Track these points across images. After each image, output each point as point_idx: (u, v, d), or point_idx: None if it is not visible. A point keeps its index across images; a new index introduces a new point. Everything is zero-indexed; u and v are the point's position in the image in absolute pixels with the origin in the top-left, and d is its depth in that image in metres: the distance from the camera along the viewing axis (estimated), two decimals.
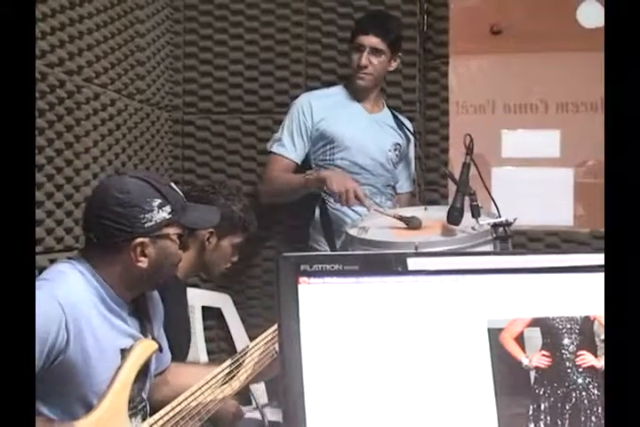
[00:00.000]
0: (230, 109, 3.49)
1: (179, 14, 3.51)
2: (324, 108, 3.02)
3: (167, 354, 2.04)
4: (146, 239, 1.77)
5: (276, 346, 1.77)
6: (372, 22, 3.06)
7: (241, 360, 1.81)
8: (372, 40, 2.99)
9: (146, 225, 1.76)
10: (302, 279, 1.04)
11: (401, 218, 2.44)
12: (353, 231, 2.42)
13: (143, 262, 1.78)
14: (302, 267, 1.05)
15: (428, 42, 3.49)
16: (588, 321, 1.12)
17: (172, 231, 1.82)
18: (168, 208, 1.79)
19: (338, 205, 2.81)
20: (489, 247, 2.19)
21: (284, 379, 1.01)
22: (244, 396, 3.08)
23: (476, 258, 1.12)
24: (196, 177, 3.49)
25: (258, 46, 3.48)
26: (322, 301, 1.05)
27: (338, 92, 3.13)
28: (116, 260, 1.78)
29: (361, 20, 3.16)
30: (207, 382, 1.76)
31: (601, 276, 1.15)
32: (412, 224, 2.41)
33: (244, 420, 2.70)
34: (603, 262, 1.15)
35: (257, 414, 2.89)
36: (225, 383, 1.78)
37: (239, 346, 3.15)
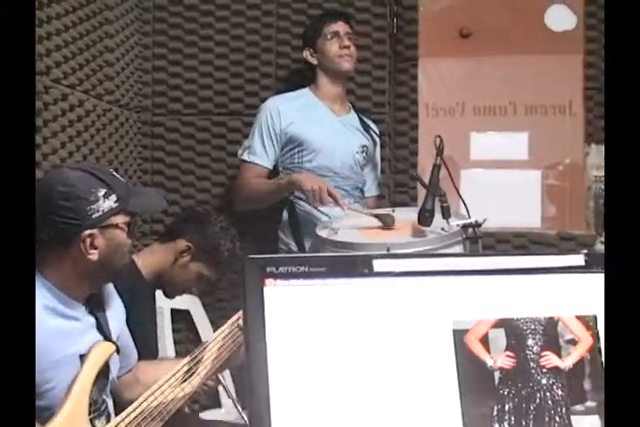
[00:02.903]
0: (200, 111, 3.48)
1: (148, 15, 3.49)
2: (292, 112, 3.03)
3: (133, 352, 2.02)
4: (94, 230, 1.74)
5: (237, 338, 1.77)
6: (334, 12, 3.25)
7: (200, 357, 1.79)
8: (343, 26, 3.11)
9: (93, 216, 1.73)
10: (268, 281, 1.05)
11: (375, 215, 2.46)
12: (323, 233, 2.42)
13: (94, 255, 1.75)
14: (268, 269, 1.05)
15: (397, 44, 3.50)
16: (552, 322, 1.14)
17: (121, 220, 1.79)
18: (114, 197, 1.76)
19: (310, 206, 2.81)
20: (459, 248, 2.20)
21: (249, 380, 1.01)
22: (213, 397, 3.09)
23: (442, 260, 1.13)
24: (166, 179, 3.47)
25: (228, 48, 3.47)
26: (288, 302, 1.05)
27: (305, 94, 3.13)
28: (66, 256, 1.75)
29: (323, 13, 3.28)
30: (167, 381, 1.74)
31: (565, 277, 1.16)
32: (385, 221, 2.43)
33: (215, 422, 2.70)
34: (568, 264, 1.17)
35: (228, 416, 2.89)
36: (185, 381, 1.76)
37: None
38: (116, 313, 1.93)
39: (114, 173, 1.86)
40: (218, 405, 3.05)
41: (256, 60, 3.47)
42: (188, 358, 1.79)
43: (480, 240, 2.21)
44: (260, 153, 3.02)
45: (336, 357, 1.05)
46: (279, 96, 3.15)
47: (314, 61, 3.12)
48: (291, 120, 3.01)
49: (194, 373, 1.77)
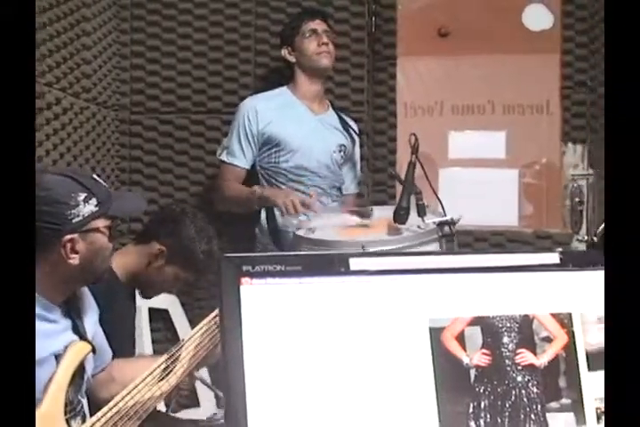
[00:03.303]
0: (178, 109, 3.46)
1: (126, 12, 3.47)
2: (270, 111, 3.03)
3: (107, 351, 2.01)
4: (75, 235, 1.73)
5: (214, 336, 1.76)
6: (312, 10, 3.27)
7: (177, 355, 1.78)
8: (321, 24, 3.12)
9: (73, 221, 1.72)
10: (244, 280, 1.04)
11: (353, 211, 2.48)
12: (300, 232, 2.42)
13: (74, 259, 1.74)
14: (244, 268, 1.05)
15: (376, 43, 3.51)
16: (527, 320, 1.14)
17: (101, 224, 1.78)
18: (94, 201, 1.75)
19: (287, 216, 2.83)
20: (435, 245, 2.21)
21: (226, 379, 1.01)
22: (192, 396, 3.07)
23: (418, 258, 1.14)
24: (144, 177, 3.46)
25: (206, 46, 3.46)
26: (264, 301, 1.05)
27: (283, 93, 3.13)
28: (46, 261, 1.73)
29: (301, 12, 3.30)
30: (144, 380, 1.73)
31: (540, 275, 1.17)
32: (362, 214, 2.44)
33: (189, 422, 2.68)
34: (543, 262, 1.18)
35: (203, 415, 2.88)
36: (162, 379, 1.75)
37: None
38: (90, 314, 1.93)
39: (95, 176, 1.86)
40: (196, 404, 3.04)
41: (235, 59, 3.46)
42: (165, 356, 1.78)
43: (456, 238, 2.23)
44: (238, 154, 3.02)
45: (312, 355, 1.05)
46: (257, 95, 3.15)
47: (292, 59, 3.13)
48: (268, 120, 3.01)
49: (171, 371, 1.76)
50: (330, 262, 1.09)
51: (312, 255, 1.15)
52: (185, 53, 3.46)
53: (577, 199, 3.32)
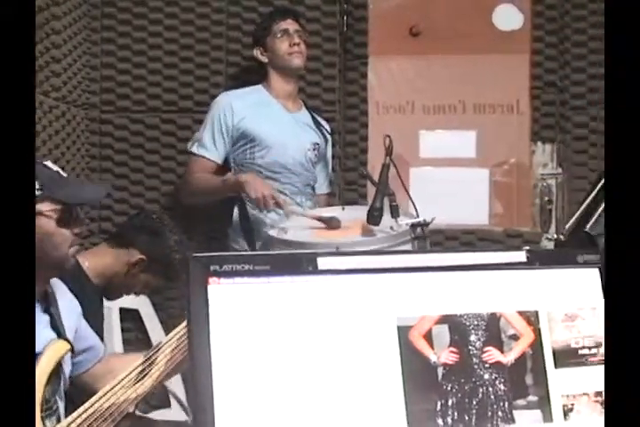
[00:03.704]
0: (149, 108, 3.44)
1: (96, 11, 3.44)
2: (245, 108, 3.03)
3: (98, 344, 2.02)
4: None
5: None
6: (283, 10, 3.27)
7: (153, 358, 1.77)
8: (292, 24, 3.13)
9: None
10: (212, 280, 1.04)
11: (320, 219, 2.46)
12: (273, 232, 2.42)
13: None
14: (212, 267, 1.04)
15: (347, 42, 3.51)
16: (494, 318, 1.15)
17: (46, 208, 1.74)
18: (36, 184, 1.71)
19: (257, 210, 2.83)
20: (408, 247, 2.22)
21: (193, 379, 1.00)
22: (161, 398, 3.06)
23: (385, 257, 1.14)
24: (114, 177, 3.43)
25: (177, 44, 3.44)
26: (232, 301, 1.05)
27: (258, 90, 3.14)
28: None
29: (272, 11, 3.29)
30: (120, 382, 1.73)
31: (507, 273, 1.18)
32: (331, 225, 2.43)
33: (164, 422, 2.68)
34: (510, 260, 1.19)
35: (177, 416, 2.88)
36: (138, 382, 1.75)
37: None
38: (69, 309, 1.91)
39: (45, 162, 1.82)
40: (167, 405, 3.03)
41: (206, 58, 3.45)
42: (141, 359, 1.77)
43: (428, 239, 2.24)
44: (209, 147, 3.02)
45: (281, 354, 1.05)
46: (233, 91, 3.15)
47: (264, 60, 3.13)
48: (243, 115, 3.01)
49: (147, 374, 1.76)
50: (298, 262, 1.09)
51: (280, 255, 1.15)
52: (156, 52, 3.44)
53: (546, 198, 3.36)
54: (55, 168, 1.83)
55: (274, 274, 1.07)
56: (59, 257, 1.80)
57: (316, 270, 1.09)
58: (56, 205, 1.76)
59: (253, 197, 2.70)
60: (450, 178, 3.41)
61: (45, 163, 1.82)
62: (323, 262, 1.09)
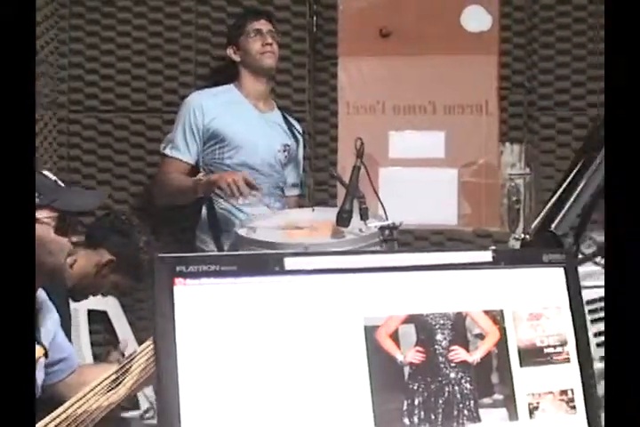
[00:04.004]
0: (118, 108, 3.42)
1: (64, 10, 3.42)
2: (216, 107, 3.02)
3: (73, 354, 2.02)
4: None
5: None
6: (257, 10, 3.29)
7: (127, 366, 1.77)
8: (265, 24, 3.14)
9: None
10: (178, 281, 1.04)
11: (291, 205, 2.50)
12: (242, 231, 2.42)
13: None
14: (178, 268, 1.04)
15: (317, 43, 3.52)
16: (460, 317, 1.16)
17: (44, 215, 1.74)
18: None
19: (230, 203, 2.82)
20: (376, 249, 2.23)
21: (159, 382, 1.00)
22: (131, 400, 3.04)
23: (352, 257, 1.14)
24: (82, 177, 3.41)
25: (146, 44, 3.43)
26: (199, 302, 1.05)
27: (229, 90, 3.13)
28: None
29: (246, 11, 3.31)
30: (92, 389, 1.72)
31: (473, 273, 1.19)
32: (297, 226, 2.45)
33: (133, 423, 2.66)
34: (476, 260, 1.19)
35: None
36: (111, 390, 1.74)
37: (127, 350, 3.09)
38: (47, 315, 1.90)
39: (44, 172, 1.84)
40: (136, 407, 3.01)
41: (175, 57, 3.44)
42: (115, 368, 1.76)
43: (397, 242, 2.25)
44: (182, 148, 3.01)
45: (248, 355, 1.05)
46: (203, 91, 3.15)
47: (237, 59, 3.14)
48: (214, 115, 3.00)
49: (120, 383, 1.75)
50: (265, 262, 1.08)
51: (247, 255, 1.14)
52: (124, 51, 3.42)
53: (514, 198, 3.38)
54: (53, 177, 1.84)
55: (240, 274, 1.07)
56: (54, 265, 1.79)
57: (283, 271, 1.09)
58: (54, 213, 1.76)
59: (225, 184, 2.66)
60: (419, 178, 3.43)
61: (44, 172, 1.83)
62: (290, 263, 1.09)
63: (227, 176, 2.71)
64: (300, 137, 3.22)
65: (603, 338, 1.79)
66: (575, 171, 1.36)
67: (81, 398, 1.68)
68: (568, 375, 1.18)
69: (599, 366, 1.74)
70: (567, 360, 1.19)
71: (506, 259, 1.21)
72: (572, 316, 1.21)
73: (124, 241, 2.53)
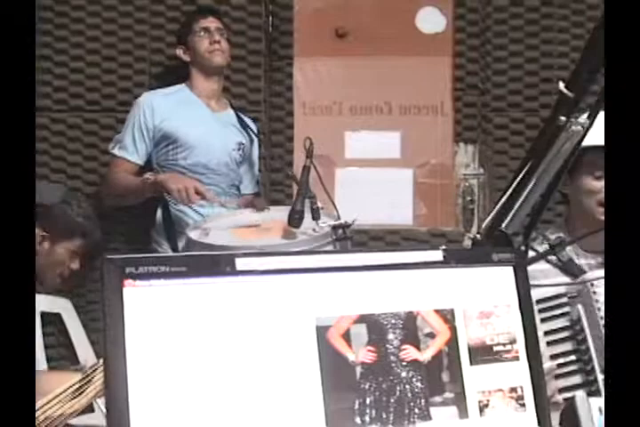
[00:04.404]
0: (71, 107, 3.38)
1: None
2: (167, 108, 3.00)
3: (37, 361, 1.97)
4: None
5: None
6: (204, 8, 3.27)
7: (91, 377, 1.75)
8: (214, 22, 3.13)
9: None
10: (127, 282, 1.03)
11: (247, 205, 2.49)
12: (194, 234, 2.39)
13: None
14: (127, 269, 1.03)
15: (273, 43, 3.52)
16: (411, 316, 1.16)
17: None
18: None
19: (181, 205, 2.80)
20: (329, 249, 2.23)
21: (107, 384, 0.99)
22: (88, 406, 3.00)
23: (303, 257, 1.14)
24: (35, 178, 3.35)
25: (100, 43, 3.40)
26: (149, 304, 1.04)
27: (181, 90, 3.12)
28: None
29: (193, 11, 3.30)
30: (56, 397, 1.70)
31: (423, 272, 1.19)
32: (258, 206, 2.45)
33: None
34: (427, 259, 1.20)
35: (101, 421, 2.82)
36: (74, 399, 1.72)
37: (80, 352, 3.06)
38: None
39: None
40: (90, 410, 2.97)
41: (129, 57, 3.41)
42: (79, 377, 1.74)
43: (350, 241, 2.25)
44: (130, 148, 2.98)
45: (199, 356, 1.04)
46: (154, 91, 3.12)
47: (186, 58, 3.12)
48: (165, 116, 2.98)
49: (83, 392, 1.73)
50: (216, 263, 1.08)
51: (198, 256, 1.13)
52: (78, 51, 3.39)
53: (468, 198, 3.42)
54: None
55: (191, 276, 1.06)
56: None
57: (234, 271, 1.08)
58: None
59: (175, 191, 2.65)
60: (375, 178, 3.45)
61: None
62: (241, 263, 1.09)
63: (177, 181, 2.69)
64: (254, 136, 3.22)
65: (553, 337, 1.83)
66: (524, 171, 1.37)
67: (44, 405, 1.67)
68: (517, 373, 1.20)
69: (549, 364, 1.78)
70: (516, 358, 1.20)
71: (456, 258, 1.22)
72: (522, 314, 1.23)
73: (43, 210, 2.47)
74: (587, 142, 2.08)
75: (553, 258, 2.12)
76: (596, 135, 2.12)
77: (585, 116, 1.35)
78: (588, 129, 1.33)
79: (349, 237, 2.19)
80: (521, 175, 1.38)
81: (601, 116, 2.26)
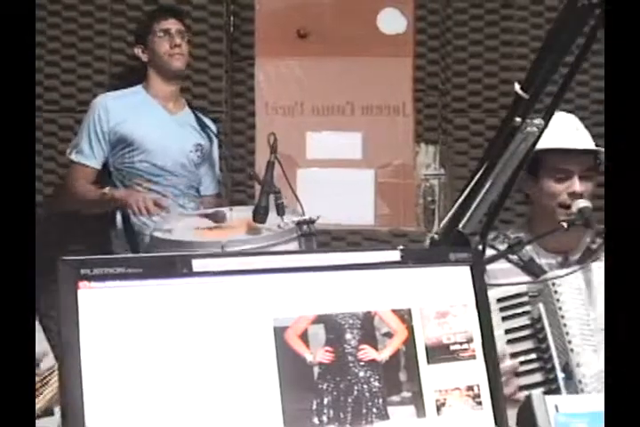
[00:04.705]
0: None
1: None
2: (123, 110, 2.97)
3: None
4: None
5: None
6: (166, 9, 3.21)
7: (48, 379, 1.74)
8: (175, 24, 3.08)
9: None
10: (82, 284, 1.02)
11: (205, 214, 2.47)
12: (157, 234, 2.39)
13: None
14: (83, 271, 1.02)
15: (234, 43, 3.50)
16: (369, 316, 1.17)
17: None
18: None
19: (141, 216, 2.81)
20: (294, 244, 2.24)
21: (62, 387, 0.98)
22: (46, 405, 2.97)
23: (260, 258, 1.14)
24: None
25: (59, 43, 3.36)
26: (104, 305, 1.03)
27: (137, 92, 3.09)
28: None
29: (154, 10, 3.24)
30: None
31: (381, 272, 1.20)
32: (216, 218, 2.43)
33: None
34: (385, 259, 1.21)
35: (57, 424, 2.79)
36: None
37: (39, 355, 3.02)
38: None
39: None
40: (50, 413, 2.94)
41: (89, 56, 3.38)
42: (37, 379, 1.72)
43: (315, 237, 2.26)
44: (87, 153, 2.96)
45: (155, 358, 1.04)
46: (109, 93, 3.09)
47: (145, 59, 3.09)
48: (120, 119, 2.95)
49: (40, 394, 1.71)
50: (172, 264, 1.07)
51: (154, 257, 1.13)
52: (38, 50, 3.34)
53: (429, 198, 3.44)
54: None
55: (147, 277, 1.06)
56: None
57: (190, 273, 1.08)
58: None
59: (134, 206, 2.68)
60: (336, 179, 3.45)
61: None
62: (198, 264, 1.08)
63: (136, 196, 2.70)
64: (214, 136, 3.20)
65: (514, 335, 1.85)
66: (481, 171, 1.39)
67: None
68: (474, 371, 1.21)
69: (510, 362, 1.80)
70: (473, 357, 1.22)
71: (414, 258, 1.23)
72: (479, 313, 1.24)
73: None
74: (549, 145, 2.13)
75: (514, 257, 2.15)
76: (559, 138, 2.17)
77: (540, 117, 1.36)
78: (542, 130, 1.35)
79: (314, 233, 2.19)
80: (478, 176, 1.39)
81: (557, 117, 2.30)
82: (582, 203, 2.05)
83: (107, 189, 2.85)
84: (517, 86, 1.34)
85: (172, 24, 3.07)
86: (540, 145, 2.12)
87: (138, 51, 3.10)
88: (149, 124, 2.99)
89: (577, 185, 2.12)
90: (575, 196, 2.09)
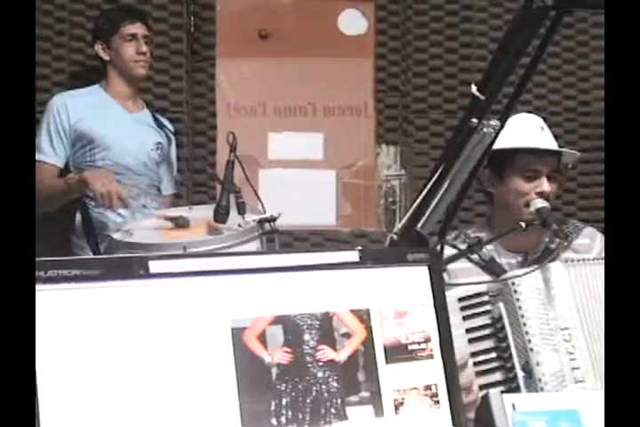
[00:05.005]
0: None
1: None
2: (82, 108, 2.95)
3: None
4: None
5: None
6: (133, 11, 3.15)
7: None
8: (141, 28, 3.05)
9: None
10: (38, 287, 1.01)
11: (168, 218, 2.43)
12: (117, 235, 2.36)
13: None
14: (37, 273, 1.01)
15: (195, 43, 3.49)
16: (327, 317, 1.17)
17: None
18: None
19: (102, 208, 2.76)
20: (256, 243, 2.22)
21: None
22: None
23: (217, 259, 1.14)
24: None
25: None
26: (59, 308, 1.02)
27: (95, 91, 3.06)
28: None
29: (121, 11, 3.16)
30: None
31: (340, 273, 1.20)
32: (179, 223, 2.40)
33: None
34: (343, 260, 1.21)
35: None
36: None
37: None
38: None
39: None
40: None
41: (48, 56, 3.34)
42: None
43: (277, 237, 2.25)
44: (48, 152, 2.92)
45: (112, 361, 1.03)
46: (67, 92, 3.07)
47: (106, 57, 3.06)
48: (80, 117, 2.93)
49: None
50: (129, 266, 1.07)
51: (110, 259, 1.12)
52: None
53: (390, 199, 3.46)
54: None
55: (104, 279, 1.05)
56: None
57: (147, 274, 1.08)
58: None
59: (99, 192, 2.62)
60: (298, 179, 3.45)
61: None
62: (155, 266, 1.08)
63: (102, 184, 2.64)
64: (171, 136, 3.19)
65: (474, 334, 1.87)
66: (439, 172, 1.39)
67: None
68: (432, 371, 1.22)
69: (472, 361, 1.81)
70: (431, 356, 1.23)
71: (372, 258, 1.23)
72: (436, 313, 1.25)
73: None
74: (518, 144, 2.16)
75: (475, 257, 2.17)
76: (527, 138, 2.19)
77: (496, 118, 1.37)
78: (499, 131, 1.36)
79: (276, 230, 2.18)
80: (436, 176, 1.40)
81: (522, 117, 2.32)
82: (540, 203, 2.08)
83: (70, 175, 2.81)
84: (474, 88, 1.35)
85: (139, 28, 3.03)
86: (510, 144, 2.17)
87: (98, 47, 3.06)
88: (109, 122, 2.97)
89: (545, 185, 2.16)
90: (543, 195, 2.13)
